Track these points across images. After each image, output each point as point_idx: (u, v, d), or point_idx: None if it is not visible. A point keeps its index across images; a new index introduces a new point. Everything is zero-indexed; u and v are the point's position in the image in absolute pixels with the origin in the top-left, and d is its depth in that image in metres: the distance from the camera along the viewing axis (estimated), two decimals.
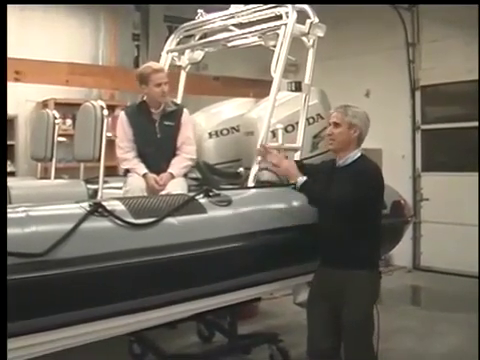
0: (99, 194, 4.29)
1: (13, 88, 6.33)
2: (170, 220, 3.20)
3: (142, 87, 4.36)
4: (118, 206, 3.12)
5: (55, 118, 5.52)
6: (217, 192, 3.62)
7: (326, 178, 3.66)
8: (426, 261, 8.34)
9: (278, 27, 4.43)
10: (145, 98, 4.43)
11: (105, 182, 4.44)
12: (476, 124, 7.79)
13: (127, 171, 4.38)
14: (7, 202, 3.29)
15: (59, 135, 5.53)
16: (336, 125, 3.61)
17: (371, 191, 3.49)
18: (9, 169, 6.61)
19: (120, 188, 4.39)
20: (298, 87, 4.32)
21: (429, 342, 5.32)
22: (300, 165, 3.99)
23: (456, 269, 7.69)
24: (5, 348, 2.27)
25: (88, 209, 2.96)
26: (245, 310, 5.30)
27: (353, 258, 3.47)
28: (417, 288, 7.90)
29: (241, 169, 4.76)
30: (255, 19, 4.83)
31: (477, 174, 7.55)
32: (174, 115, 4.43)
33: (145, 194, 4.10)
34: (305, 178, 3.69)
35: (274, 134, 4.35)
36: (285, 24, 4.34)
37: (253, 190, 4.05)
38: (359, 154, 3.63)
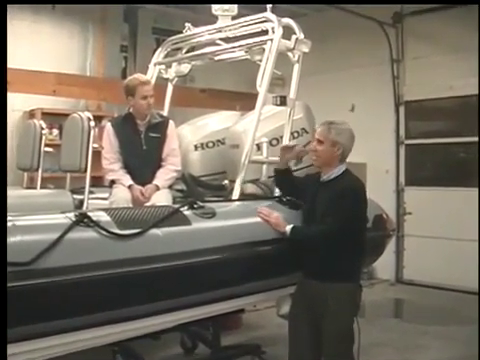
0: (85, 204, 4.30)
1: None
2: (155, 231, 3.23)
3: (128, 99, 4.40)
4: (103, 217, 3.15)
5: (42, 128, 5.51)
6: (202, 204, 3.65)
7: (311, 194, 3.70)
8: (409, 275, 8.40)
9: (264, 42, 4.51)
10: (131, 110, 4.46)
11: (91, 192, 4.45)
12: (458, 140, 8.00)
13: (113, 182, 4.41)
14: None
15: (46, 145, 5.52)
16: (320, 142, 3.63)
17: (354, 207, 3.53)
18: None
19: (106, 199, 4.41)
20: (283, 101, 4.37)
21: (410, 355, 5.35)
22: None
23: (438, 283, 7.75)
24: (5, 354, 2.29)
25: (74, 219, 2.99)
26: (229, 321, 5.33)
27: (334, 271, 3.50)
28: (399, 301, 7.95)
29: (226, 181, 4.79)
30: (242, 34, 4.90)
31: (460, 188, 7.77)
32: (160, 127, 4.48)
33: (130, 205, 4.13)
34: (291, 226, 3.65)
35: (259, 147, 4.40)
36: (271, 39, 4.41)
37: (237, 202, 4.09)
38: (343, 169, 3.66)
